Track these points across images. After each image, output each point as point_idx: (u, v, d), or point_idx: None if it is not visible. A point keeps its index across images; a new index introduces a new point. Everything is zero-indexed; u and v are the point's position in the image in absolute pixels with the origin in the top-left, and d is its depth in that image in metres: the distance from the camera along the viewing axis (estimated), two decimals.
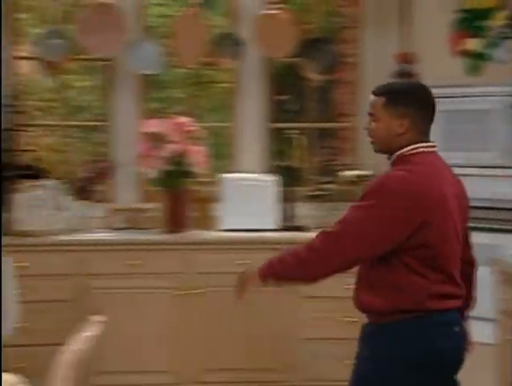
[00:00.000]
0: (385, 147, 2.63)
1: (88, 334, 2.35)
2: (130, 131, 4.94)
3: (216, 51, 4.86)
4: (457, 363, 2.65)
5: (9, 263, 2.67)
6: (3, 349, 3.91)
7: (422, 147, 2.59)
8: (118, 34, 4.70)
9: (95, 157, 5.28)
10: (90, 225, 4.75)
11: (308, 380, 4.47)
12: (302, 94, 5.24)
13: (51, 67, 4.96)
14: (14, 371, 2.17)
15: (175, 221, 4.60)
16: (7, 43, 4.85)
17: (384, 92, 2.61)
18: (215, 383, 4.44)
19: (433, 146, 2.63)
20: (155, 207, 4.76)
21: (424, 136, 2.61)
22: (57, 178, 4.70)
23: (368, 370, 2.60)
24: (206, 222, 4.80)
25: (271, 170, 5.00)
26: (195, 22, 4.81)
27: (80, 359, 2.32)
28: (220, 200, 4.73)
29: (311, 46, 4.94)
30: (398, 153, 2.59)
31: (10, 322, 2.70)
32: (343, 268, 2.54)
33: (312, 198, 5.04)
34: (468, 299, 2.77)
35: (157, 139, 4.57)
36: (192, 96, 5.29)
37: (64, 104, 5.21)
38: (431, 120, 2.63)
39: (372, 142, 2.66)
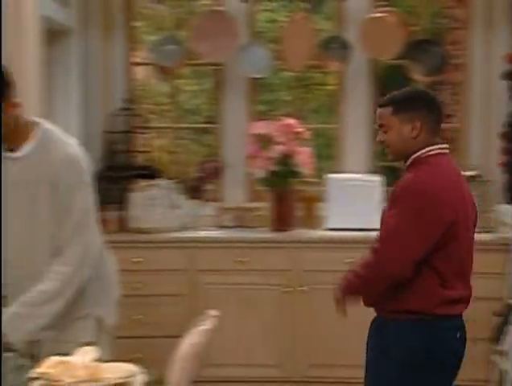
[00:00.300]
0: (402, 154, 2.66)
1: (204, 327, 2.45)
2: (239, 133, 5.04)
3: (322, 55, 4.91)
4: (456, 367, 2.66)
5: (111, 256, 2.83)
6: (120, 340, 4.10)
7: (437, 149, 2.62)
8: (229, 40, 4.81)
9: (205, 158, 5.41)
10: (201, 223, 4.88)
11: None
12: None
13: (166, 73, 5.14)
14: (131, 361, 2.29)
15: (282, 220, 4.66)
16: (125, 50, 5.05)
17: (390, 102, 2.66)
18: (319, 377, 4.49)
19: (447, 148, 2.66)
20: (263, 207, 4.84)
21: (437, 137, 2.64)
22: (170, 178, 4.85)
23: (371, 360, 2.71)
24: (312, 221, 4.84)
25: (376, 171, 5.00)
26: (302, 26, 4.87)
27: (196, 352, 2.42)
28: (325, 200, 4.77)
29: (417, 47, 4.90)
30: (415, 156, 2.62)
31: (113, 313, 2.85)
32: (403, 276, 2.55)
33: None
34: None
35: (264, 140, 4.65)
36: (299, 98, 5.35)
37: (176, 107, 5.37)
38: (441, 120, 2.66)
39: (388, 153, 2.70)
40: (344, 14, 5.02)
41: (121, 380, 2.17)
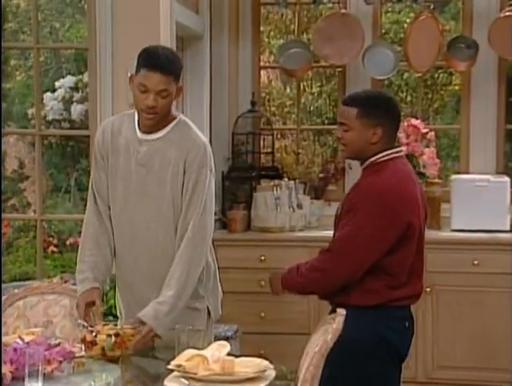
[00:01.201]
0: (358, 155, 2.70)
1: (331, 326, 2.42)
2: None
3: (448, 55, 4.78)
4: (405, 355, 2.76)
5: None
6: (245, 335, 4.13)
7: (393, 153, 2.66)
8: (353, 42, 4.76)
9: (328, 159, 5.40)
10: (324, 223, 4.86)
11: None
12: None
13: (291, 75, 5.15)
14: (258, 356, 2.30)
15: None
16: (252, 54, 5.09)
17: (355, 103, 2.65)
18: (444, 379, 4.38)
19: (401, 151, 2.73)
20: None
21: (393, 142, 2.70)
22: (294, 179, 4.86)
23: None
24: (436, 222, 4.73)
25: (505, 172, 4.82)
26: (427, 26, 4.75)
27: (322, 350, 2.40)
28: (450, 201, 4.65)
29: None
30: (372, 159, 2.65)
31: (218, 309, 2.87)
32: (352, 280, 2.63)
33: None
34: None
35: None
36: (424, 98, 5.23)
37: (299, 109, 5.37)
38: (399, 126, 2.74)
39: (344, 151, 2.75)
40: (471, 14, 4.86)
41: (254, 375, 2.18)
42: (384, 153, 2.65)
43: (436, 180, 4.74)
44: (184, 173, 2.64)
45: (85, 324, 2.47)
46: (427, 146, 4.62)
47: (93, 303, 2.63)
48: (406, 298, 2.72)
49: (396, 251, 2.61)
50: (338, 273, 2.64)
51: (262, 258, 4.51)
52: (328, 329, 2.38)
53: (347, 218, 2.63)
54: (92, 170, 2.82)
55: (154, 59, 2.60)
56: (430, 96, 6.18)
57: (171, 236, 2.68)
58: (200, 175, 2.65)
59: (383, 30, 5.19)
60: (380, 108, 2.66)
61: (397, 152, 2.70)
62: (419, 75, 5.04)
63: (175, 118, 2.73)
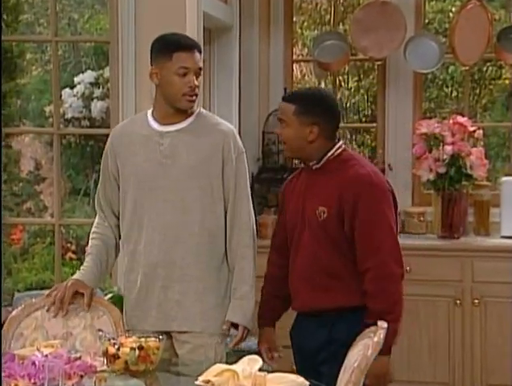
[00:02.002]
0: (297, 153, 2.85)
1: (371, 340, 2.42)
2: (403, 132, 4.96)
3: (498, 46, 4.73)
4: None
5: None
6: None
7: (340, 147, 2.84)
8: (394, 33, 4.74)
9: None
10: None
11: None
12: None
13: (326, 69, 5.14)
14: (292, 372, 2.30)
15: (451, 226, 4.57)
16: (284, 46, 5.10)
17: (295, 99, 2.80)
18: None
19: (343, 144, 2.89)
20: (429, 211, 4.74)
21: (334, 140, 2.83)
22: None
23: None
24: (484, 228, 4.69)
25: None
26: (475, 16, 4.71)
27: (362, 365, 2.39)
28: (499, 205, 4.61)
29: None
30: (329, 156, 2.80)
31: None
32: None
33: None
34: None
35: (432, 140, 4.57)
36: (470, 94, 5.19)
37: None
38: (338, 126, 2.86)
39: (284, 148, 2.88)
40: None
41: None
42: (337, 146, 2.83)
43: (485, 182, 4.70)
44: (223, 162, 2.84)
45: (108, 336, 2.49)
46: (475, 146, 4.59)
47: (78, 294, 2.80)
48: None
49: None
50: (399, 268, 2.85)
51: None
52: (368, 343, 2.37)
53: (367, 213, 2.73)
54: (102, 179, 2.98)
55: (184, 40, 2.84)
56: (477, 91, 6.13)
57: (199, 224, 2.83)
58: (240, 162, 2.88)
59: (427, 20, 5.17)
60: (318, 107, 2.79)
61: (342, 145, 2.88)
62: (466, 68, 5.00)
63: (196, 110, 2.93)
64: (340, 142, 2.87)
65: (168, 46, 2.80)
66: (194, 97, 2.81)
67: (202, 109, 2.98)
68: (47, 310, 2.80)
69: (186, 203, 2.82)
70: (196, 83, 2.80)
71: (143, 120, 2.92)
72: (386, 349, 2.60)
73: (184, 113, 2.86)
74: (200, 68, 2.84)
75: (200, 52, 2.85)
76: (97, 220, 3.01)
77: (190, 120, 2.87)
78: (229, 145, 2.85)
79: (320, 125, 2.78)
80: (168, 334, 2.79)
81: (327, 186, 2.79)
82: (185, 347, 2.83)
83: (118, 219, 2.95)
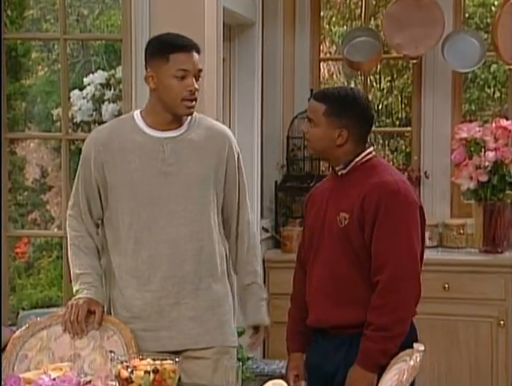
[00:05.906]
0: (321, 153, 2.89)
1: (407, 363, 2.41)
2: (440, 137, 4.96)
3: None
4: None
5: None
6: None
7: (370, 153, 2.85)
8: (431, 29, 4.74)
9: (400, 166, 5.37)
10: None
11: None
12: None
13: (356, 68, 5.15)
14: None
15: (494, 240, 4.58)
16: (311, 44, 5.11)
17: (326, 99, 2.81)
18: None
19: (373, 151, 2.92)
20: (470, 224, 4.76)
21: (364, 146, 2.85)
22: None
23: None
24: None
25: None
26: None
27: None
28: None
29: None
30: (357, 161, 2.81)
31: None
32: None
33: None
34: None
35: (472, 145, 4.57)
36: None
37: None
38: (370, 130, 2.88)
39: (308, 146, 2.95)
40: None
41: None
42: (365, 153, 2.84)
43: None
44: (226, 164, 2.92)
45: (120, 358, 2.49)
46: None
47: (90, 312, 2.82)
48: None
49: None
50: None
51: None
52: (403, 367, 2.36)
53: (387, 227, 2.71)
54: (82, 188, 2.94)
55: (181, 40, 2.83)
56: None
57: (208, 233, 2.88)
58: (240, 162, 2.99)
59: (467, 15, 5.16)
60: (350, 110, 2.80)
61: (372, 151, 2.90)
62: (510, 67, 4.98)
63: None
64: (371, 148, 2.89)
65: (164, 47, 2.80)
66: (193, 102, 2.82)
67: (197, 114, 3.00)
68: (65, 330, 2.81)
69: (193, 212, 2.83)
70: (196, 86, 2.81)
71: (132, 125, 2.89)
72: (367, 361, 2.66)
73: (181, 118, 2.88)
74: (200, 70, 2.84)
75: (199, 53, 2.85)
76: (75, 229, 2.95)
77: (188, 124, 2.89)
78: (230, 147, 2.94)
79: (350, 128, 2.79)
80: (178, 353, 2.77)
81: (350, 193, 2.79)
82: (200, 364, 2.84)
83: (97, 227, 2.95)
